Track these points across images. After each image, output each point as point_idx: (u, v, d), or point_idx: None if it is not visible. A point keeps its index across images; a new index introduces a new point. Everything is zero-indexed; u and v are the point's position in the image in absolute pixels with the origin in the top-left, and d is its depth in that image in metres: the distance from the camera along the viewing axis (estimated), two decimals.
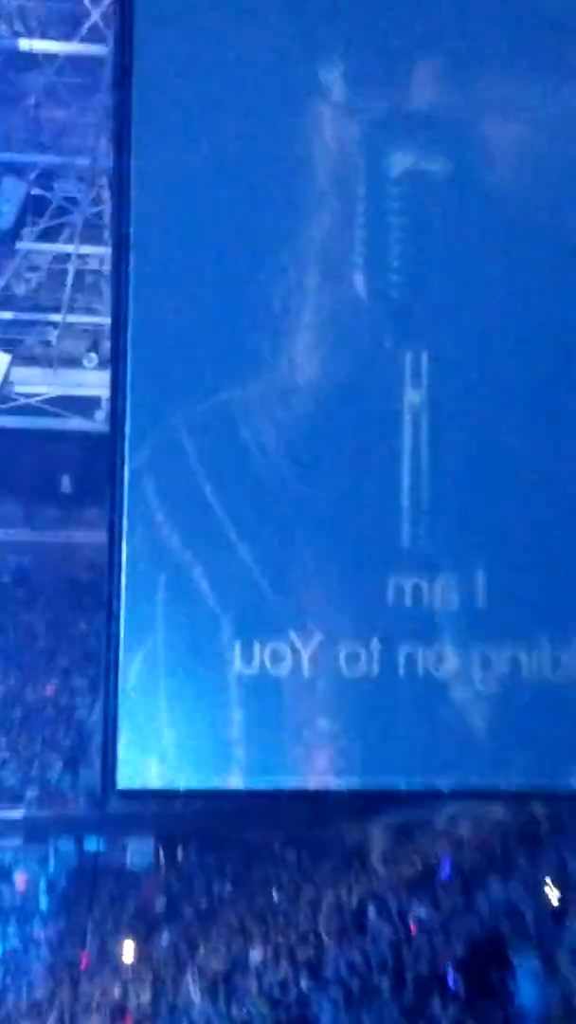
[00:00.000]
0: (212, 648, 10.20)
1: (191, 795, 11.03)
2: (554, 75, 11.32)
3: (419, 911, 23.68)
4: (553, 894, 18.53)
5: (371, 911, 26.44)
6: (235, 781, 10.39)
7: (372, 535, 10.53)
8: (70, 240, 32.01)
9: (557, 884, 19.60)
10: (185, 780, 10.37)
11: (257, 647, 10.17)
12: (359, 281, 10.87)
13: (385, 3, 11.27)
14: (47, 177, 29.99)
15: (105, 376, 11.72)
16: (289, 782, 10.60)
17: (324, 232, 10.98)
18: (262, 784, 10.52)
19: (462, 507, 10.70)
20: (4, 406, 32.67)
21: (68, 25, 25.11)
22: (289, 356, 10.85)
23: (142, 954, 32.33)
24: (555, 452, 10.89)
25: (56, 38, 25.88)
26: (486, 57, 11.25)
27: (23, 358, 33.41)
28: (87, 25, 24.51)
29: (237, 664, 10.11)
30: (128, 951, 33.01)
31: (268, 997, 20.52)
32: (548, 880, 20.46)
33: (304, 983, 20.92)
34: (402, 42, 11.14)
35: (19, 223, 26.19)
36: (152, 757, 10.17)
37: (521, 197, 11.29)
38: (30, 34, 26.12)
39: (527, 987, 13.66)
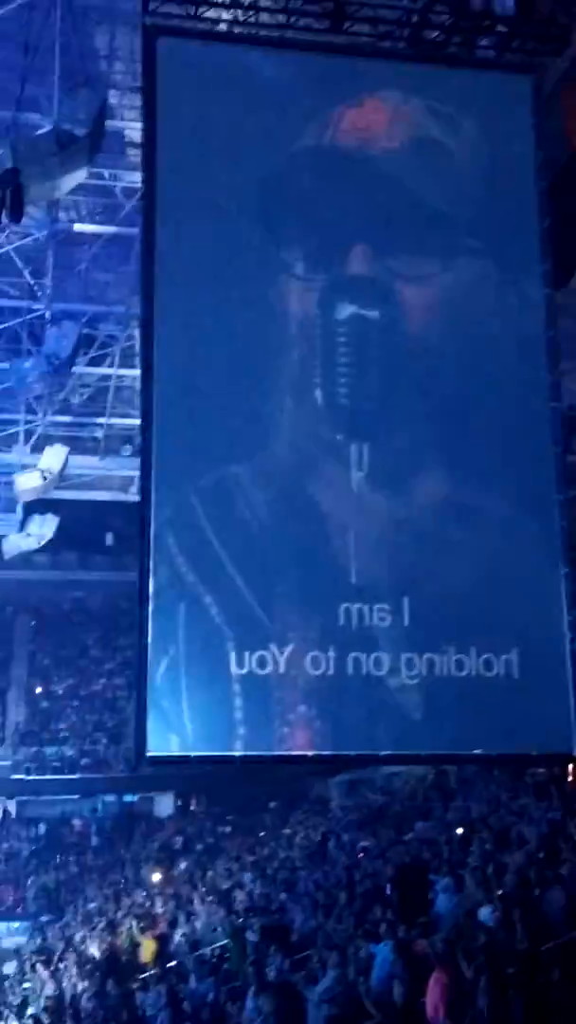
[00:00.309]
0: (215, 655, 10.48)
1: (201, 761, 11.22)
2: (446, 254, 11.86)
3: (365, 843, 23.78)
4: (460, 831, 18.79)
5: (331, 844, 26.55)
6: (232, 750, 10.71)
7: (328, 575, 10.87)
8: (111, 365, 32.25)
9: (463, 824, 19.84)
10: (196, 750, 10.68)
11: (247, 654, 10.44)
12: (319, 395, 11.30)
13: (328, 205, 11.73)
14: (94, 321, 30.19)
15: (136, 462, 11.90)
16: (271, 750, 10.97)
17: (294, 361, 11.36)
18: (252, 752, 10.85)
19: (392, 554, 11.05)
20: (64, 483, 32.68)
21: (109, 213, 25.29)
22: (269, 447, 11.24)
23: (165, 877, 32.19)
24: (457, 517, 11.29)
25: (100, 223, 26.15)
26: (400, 241, 11.73)
27: (78, 450, 33.57)
28: (122, 214, 24.66)
29: (233, 667, 10.45)
30: (155, 875, 32.96)
31: (257, 907, 20.64)
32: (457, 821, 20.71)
33: (283, 896, 21.02)
34: (342, 232, 11.59)
35: (74, 353, 26.28)
36: (172, 733, 10.42)
37: (430, 334, 11.72)
38: (81, 220, 26.42)
39: (442, 899, 13.73)
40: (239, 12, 12.26)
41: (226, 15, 12.27)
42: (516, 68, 12.79)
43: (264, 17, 12.41)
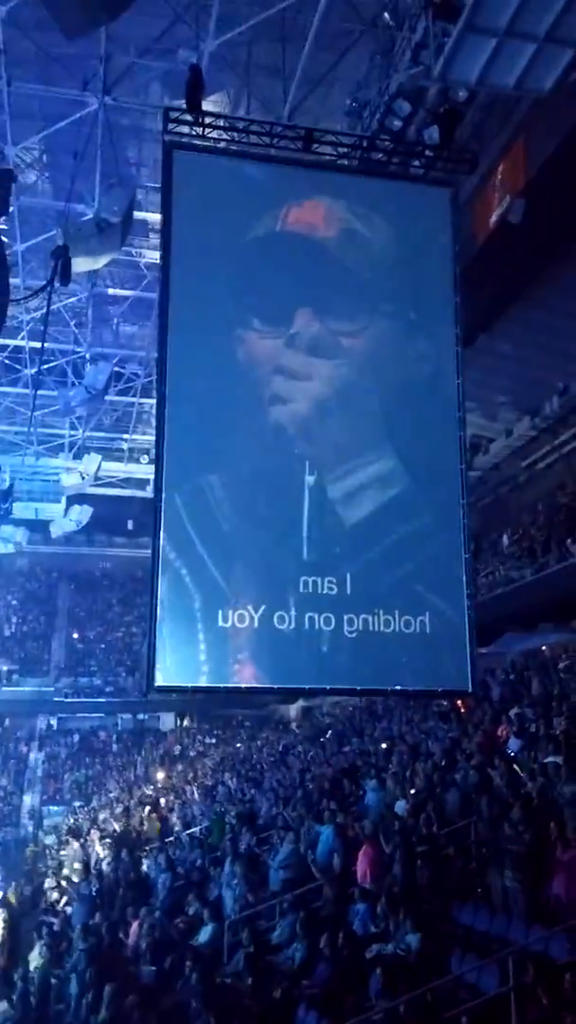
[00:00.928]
0: (206, 614, 10.41)
1: (196, 690, 11.23)
2: (375, 313, 11.79)
3: (314, 753, 23.90)
4: (384, 745, 18.96)
5: (289, 753, 26.64)
6: (219, 682, 10.69)
7: (288, 554, 10.77)
8: (134, 395, 32.20)
9: (386, 739, 20.00)
10: (192, 681, 10.59)
11: (230, 612, 10.38)
12: (278, 418, 11.29)
13: (277, 276, 11.67)
14: (123, 361, 30.16)
15: (151, 467, 11.84)
16: (248, 683, 10.95)
17: (259, 385, 11.39)
18: (233, 683, 10.81)
19: (337, 539, 10.97)
20: (97, 482, 32.64)
21: (135, 280, 25.27)
22: (239, 457, 11.16)
23: (167, 775, 32.25)
24: (389, 515, 11.22)
25: (128, 288, 26.11)
26: (337, 302, 11.65)
27: (109, 457, 33.58)
28: (145, 282, 24.67)
29: (219, 622, 10.38)
30: (160, 774, 32.96)
31: (233, 798, 20.73)
32: (381, 737, 20.88)
33: (252, 790, 21.11)
34: (289, 298, 11.57)
35: (107, 385, 26.22)
36: (174, 668, 10.30)
37: (369, 367, 11.67)
38: (114, 285, 26.39)
39: (370, 795, 13.84)
40: (235, 134, 12.25)
41: (226, 135, 12.23)
42: (439, 183, 12.73)
43: (253, 138, 12.36)
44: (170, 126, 11.87)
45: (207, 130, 12.08)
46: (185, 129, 11.98)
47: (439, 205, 12.38)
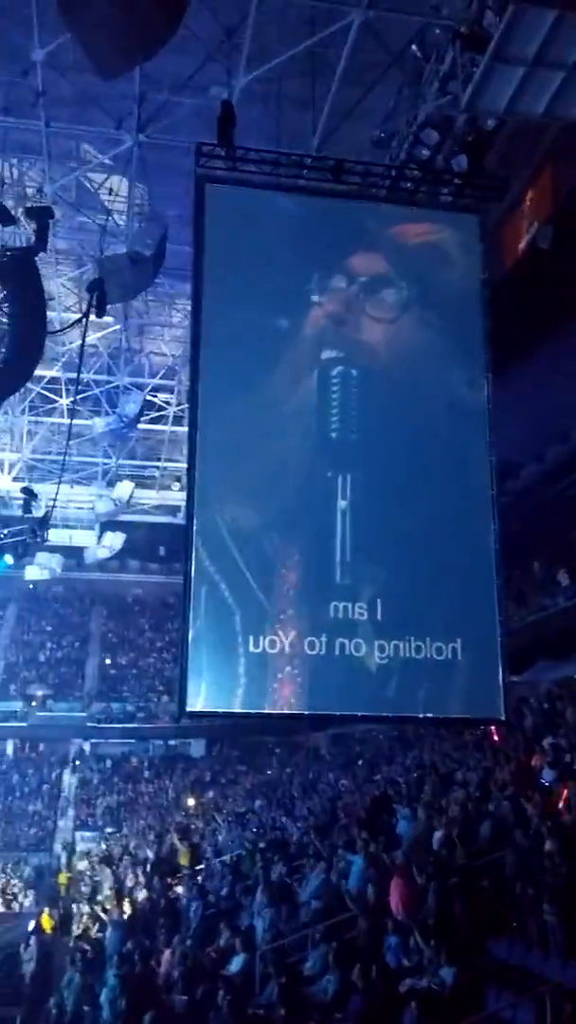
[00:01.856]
0: (237, 639, 10.26)
1: (226, 715, 11.09)
2: (416, 313, 11.86)
3: (345, 782, 23.63)
4: (416, 774, 18.67)
5: (320, 780, 26.35)
6: (250, 708, 10.49)
7: (320, 579, 10.67)
8: (166, 423, 32.43)
9: (417, 768, 19.70)
10: (224, 706, 10.47)
11: (260, 637, 10.30)
12: (314, 436, 11.21)
13: (330, 257, 11.89)
14: (155, 390, 30.44)
15: (183, 495, 11.83)
16: (278, 709, 10.80)
17: (296, 408, 11.25)
18: (263, 709, 10.61)
19: (369, 564, 10.85)
20: (130, 509, 32.84)
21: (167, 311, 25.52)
22: (272, 478, 11.13)
23: (197, 802, 31.98)
24: (418, 539, 11.16)
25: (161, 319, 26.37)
26: (382, 290, 11.77)
27: (141, 484, 33.81)
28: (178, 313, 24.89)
29: (251, 647, 10.28)
30: (191, 800, 32.71)
31: (264, 826, 20.51)
32: (413, 765, 20.57)
33: (283, 818, 20.89)
34: (339, 277, 11.74)
35: (139, 414, 26.43)
36: (205, 694, 10.18)
37: (402, 383, 11.59)
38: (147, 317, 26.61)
39: (402, 824, 13.63)
40: (266, 167, 12.27)
41: (255, 168, 12.25)
42: (468, 209, 12.68)
43: (282, 170, 12.38)
44: (202, 160, 11.94)
45: (238, 163, 12.12)
46: (218, 164, 12.04)
47: (468, 231, 12.34)
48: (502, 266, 15.57)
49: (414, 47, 13.98)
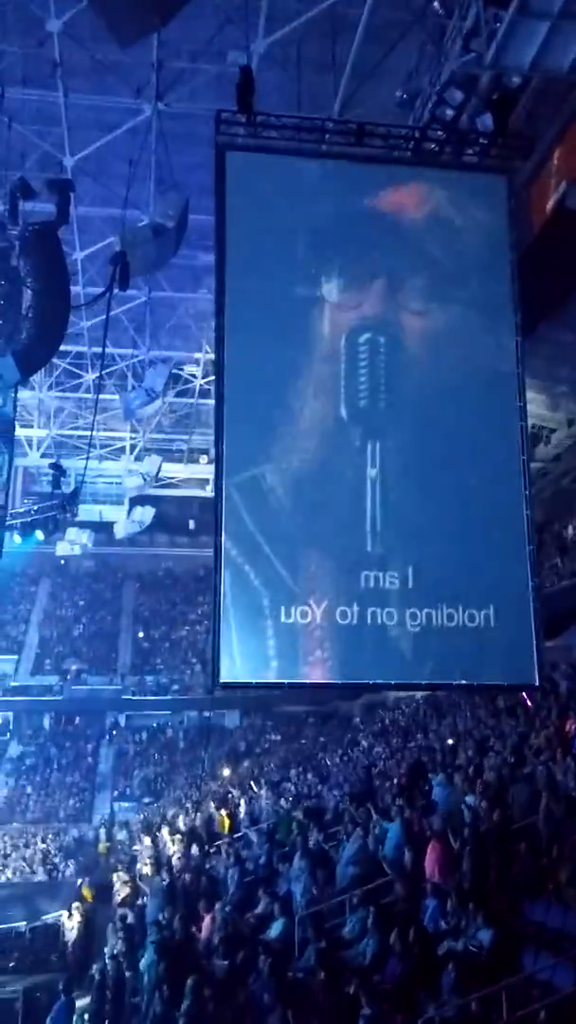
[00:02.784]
0: (269, 610, 10.35)
1: (259, 686, 10.99)
2: (445, 296, 11.65)
3: (379, 749, 23.78)
4: (450, 741, 18.79)
5: (354, 749, 26.55)
6: (282, 678, 10.52)
7: (351, 548, 10.67)
8: (192, 397, 32.42)
9: (453, 735, 19.79)
10: (257, 677, 10.50)
11: (292, 608, 10.37)
12: (341, 404, 11.13)
13: (353, 249, 11.60)
14: (180, 364, 30.40)
15: (211, 468, 11.89)
16: (311, 679, 10.87)
17: (323, 377, 11.21)
18: (295, 679, 10.67)
19: (400, 532, 10.84)
20: (158, 483, 32.96)
21: (192, 283, 25.37)
22: (302, 446, 11.09)
23: (233, 772, 32.33)
24: (451, 506, 11.11)
25: (184, 291, 26.18)
26: (410, 280, 11.53)
27: (169, 458, 33.92)
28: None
29: (282, 618, 10.35)
30: (226, 770, 33.09)
31: (299, 795, 20.70)
32: (447, 733, 20.64)
33: (319, 786, 21.10)
34: (365, 269, 11.45)
35: (166, 388, 26.41)
36: (238, 665, 10.28)
37: (431, 353, 11.47)
38: (171, 289, 26.33)
39: (437, 790, 13.68)
40: (287, 132, 12.14)
41: (276, 134, 12.12)
42: (494, 170, 12.48)
43: (304, 135, 12.24)
44: (222, 128, 11.84)
45: (258, 130, 12.00)
46: (239, 131, 11.92)
47: (495, 192, 12.14)
48: (530, 227, 15.34)
49: (436, 3, 13.77)
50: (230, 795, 25.70)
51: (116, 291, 16.08)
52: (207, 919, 13.11)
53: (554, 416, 25.74)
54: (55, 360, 27.56)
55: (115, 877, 24.31)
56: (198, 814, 24.08)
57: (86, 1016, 13.43)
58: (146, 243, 16.32)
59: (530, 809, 11.60)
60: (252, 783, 26.82)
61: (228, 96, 12.50)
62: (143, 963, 12.78)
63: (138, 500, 34.58)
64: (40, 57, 17.08)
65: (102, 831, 32.84)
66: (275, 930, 11.95)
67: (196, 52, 17.49)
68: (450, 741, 18.98)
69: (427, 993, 8.74)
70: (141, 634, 43.68)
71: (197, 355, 29.77)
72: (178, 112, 18.15)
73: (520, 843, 10.74)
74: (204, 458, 33.76)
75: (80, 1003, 13.48)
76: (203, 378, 30.58)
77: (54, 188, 14.43)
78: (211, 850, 17.97)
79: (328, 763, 25.49)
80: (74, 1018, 12.88)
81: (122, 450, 34.81)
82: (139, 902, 17.75)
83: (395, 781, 16.45)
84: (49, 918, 19.42)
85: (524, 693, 17.10)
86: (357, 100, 15.39)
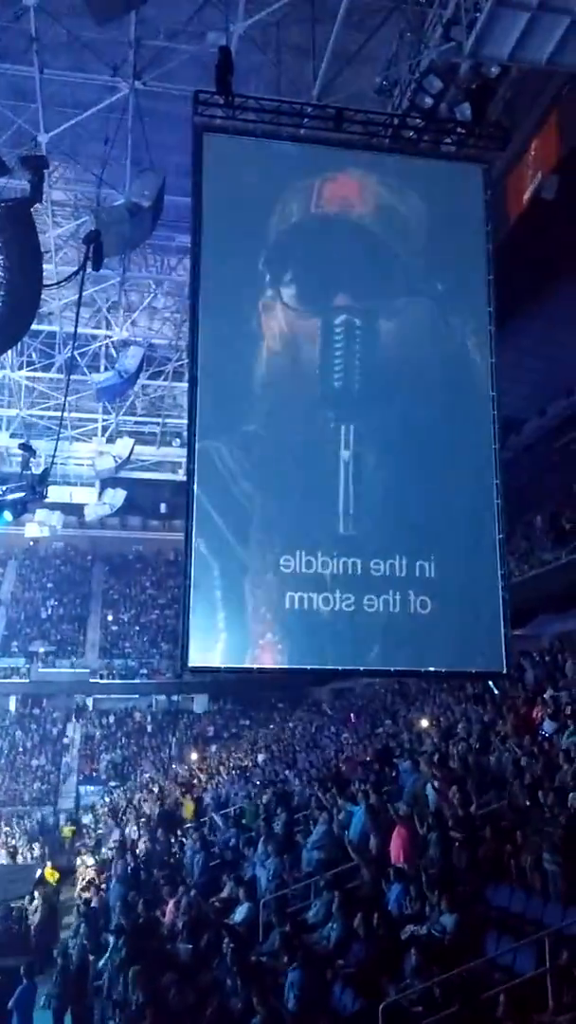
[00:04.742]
0: (240, 594, 10.30)
1: (228, 670, 10.94)
2: (410, 294, 11.60)
3: (346, 735, 23.91)
4: (420, 726, 18.93)
5: (322, 734, 26.67)
6: (251, 662, 10.42)
7: (321, 532, 10.58)
8: (166, 379, 32.28)
9: (418, 721, 19.95)
10: (225, 661, 10.45)
11: (263, 591, 10.17)
12: (317, 388, 11.06)
13: (313, 257, 11.46)
14: (153, 346, 30.27)
15: (183, 451, 11.80)
16: (278, 664, 10.75)
17: (298, 364, 11.15)
18: (266, 664, 10.47)
19: (372, 516, 10.73)
20: (130, 466, 32.79)
21: (167, 265, 25.21)
22: (275, 429, 10.97)
23: (200, 756, 32.41)
24: (429, 486, 11.03)
25: (158, 273, 26.01)
26: (374, 283, 11.44)
27: (141, 441, 33.74)
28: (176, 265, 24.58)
29: (253, 601, 10.18)
30: (193, 754, 33.15)
31: (267, 779, 20.75)
32: (415, 719, 20.80)
33: (286, 771, 21.15)
34: (327, 281, 11.36)
35: (139, 370, 26.22)
36: (204, 650, 10.18)
37: (406, 339, 11.35)
38: (146, 270, 26.25)
39: (403, 776, 13.80)
40: (265, 115, 12.05)
41: (254, 116, 12.03)
42: (471, 159, 12.45)
43: (282, 119, 12.16)
44: (200, 109, 11.73)
45: (236, 112, 11.91)
46: (216, 112, 11.82)
47: (472, 182, 12.11)
48: (506, 218, 15.41)
49: None
50: (197, 780, 25.77)
51: (90, 271, 15.92)
52: (171, 903, 13.14)
53: (526, 406, 25.91)
54: (26, 339, 27.30)
55: (80, 861, 24.31)
56: (164, 798, 24.13)
57: (50, 1000, 13.44)
58: (121, 223, 16.19)
59: (495, 796, 11.74)
60: (220, 767, 26.90)
61: (206, 77, 12.39)
62: (106, 946, 12.81)
63: (109, 482, 34.42)
64: (16, 31, 16.84)
65: (67, 815, 32.83)
66: (240, 914, 12.01)
67: (175, 31, 17.33)
68: (424, 723, 19.10)
69: (389, 977, 8.82)
70: (110, 617, 43.59)
71: (170, 337, 29.65)
72: (155, 91, 17.99)
73: (484, 829, 10.86)
74: (177, 441, 33.72)
75: (43, 987, 13.49)
76: (177, 360, 30.44)
77: (28, 165, 14.17)
78: (177, 835, 18.00)
79: (296, 748, 25.58)
80: (36, 1002, 12.88)
81: (94, 432, 34.62)
82: (103, 886, 17.79)
83: (361, 767, 16.53)
84: (12, 902, 19.37)
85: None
86: (336, 86, 15.34)
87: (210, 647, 10.28)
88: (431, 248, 11.82)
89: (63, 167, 20.99)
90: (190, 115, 11.91)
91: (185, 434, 11.74)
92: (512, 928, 9.04)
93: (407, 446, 11.20)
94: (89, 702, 40.59)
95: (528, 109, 15.25)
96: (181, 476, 26.23)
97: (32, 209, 13.77)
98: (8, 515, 27.43)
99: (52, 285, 19.95)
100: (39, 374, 31.78)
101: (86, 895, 18.05)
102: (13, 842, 29.95)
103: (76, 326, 22.68)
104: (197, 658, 10.23)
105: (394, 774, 14.81)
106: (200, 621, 10.24)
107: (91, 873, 20.47)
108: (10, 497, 27.03)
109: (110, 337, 29.33)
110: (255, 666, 10.57)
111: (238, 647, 10.34)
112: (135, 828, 21.92)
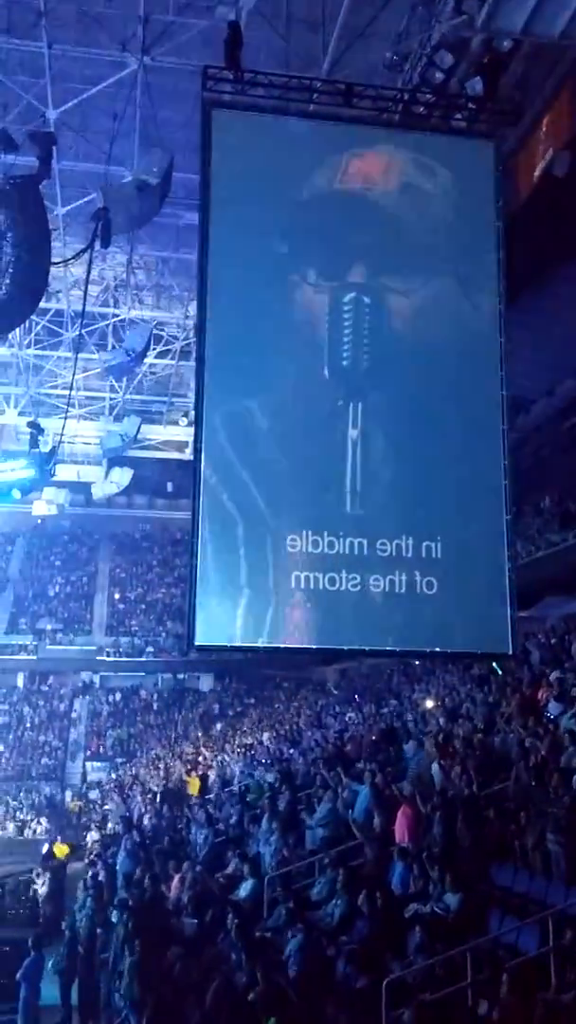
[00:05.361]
0: (245, 574, 10.22)
1: (233, 649, 11.08)
2: (425, 274, 11.51)
3: (351, 714, 23.96)
4: (424, 707, 18.97)
5: (327, 714, 26.73)
6: (256, 641, 10.47)
7: (330, 510, 10.59)
8: (173, 358, 32.13)
9: (424, 702, 19.99)
10: (230, 640, 10.50)
11: (268, 571, 10.19)
12: (325, 365, 10.97)
13: (331, 231, 11.34)
14: (161, 324, 30.11)
15: (191, 430, 11.78)
16: (284, 643, 10.76)
17: (307, 340, 11.10)
18: (271, 643, 10.50)
19: (380, 497, 10.74)
20: (137, 445, 32.69)
21: (174, 242, 24.97)
22: (283, 409, 10.89)
23: (206, 734, 32.57)
24: (436, 466, 10.97)
25: (166, 250, 25.85)
26: (389, 262, 11.41)
27: (148, 420, 33.59)
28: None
29: (258, 580, 10.18)
30: (199, 732, 33.30)
31: (272, 758, 20.83)
32: (418, 699, 20.86)
33: (291, 750, 21.24)
34: (345, 254, 11.27)
35: (146, 348, 26.08)
36: (211, 627, 10.20)
37: (415, 317, 11.26)
38: (154, 248, 26.10)
39: (407, 755, 13.83)
40: (274, 91, 11.89)
41: (263, 92, 11.87)
42: (482, 135, 12.29)
43: (292, 94, 12.00)
44: (209, 84, 11.57)
45: (245, 87, 11.74)
46: (225, 88, 11.68)
47: (482, 158, 11.93)
48: (517, 194, 15.21)
49: None
50: (203, 757, 25.89)
51: (98, 248, 15.83)
52: (176, 879, 13.21)
53: (534, 386, 25.71)
54: (34, 317, 27.18)
55: (87, 836, 24.46)
56: (170, 775, 24.26)
57: (57, 970, 13.54)
58: (129, 200, 16.03)
59: (499, 776, 11.74)
60: (225, 745, 27.02)
61: (215, 52, 12.26)
62: (114, 918, 12.89)
63: (116, 461, 34.38)
64: (24, 5, 16.69)
65: (74, 790, 33.06)
66: (244, 890, 12.06)
67: (183, 6, 17.14)
68: (430, 703, 19.12)
69: (393, 954, 8.86)
70: (117, 595, 43.69)
71: (178, 316, 29.49)
72: (164, 66, 17.80)
73: (489, 809, 10.86)
74: (184, 420, 33.57)
75: (50, 958, 13.59)
76: (184, 340, 30.30)
77: (36, 141, 14.08)
78: (183, 810, 18.10)
79: (300, 727, 25.65)
80: (44, 973, 12.98)
81: (101, 410, 34.55)
82: (110, 860, 17.89)
83: (366, 746, 16.56)
84: (20, 874, 19.52)
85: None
86: (346, 61, 15.14)
87: (216, 626, 10.27)
88: (447, 226, 11.71)
89: (71, 143, 20.80)
90: (198, 91, 11.79)
91: (192, 413, 11.64)
92: (516, 908, 9.06)
93: (415, 425, 11.12)
94: (96, 679, 40.77)
95: (540, 85, 15.01)
96: (188, 455, 26.17)
97: (40, 185, 13.71)
98: (16, 493, 27.60)
99: (60, 263, 19.87)
100: (47, 352, 31.69)
101: (93, 869, 18.17)
102: (21, 816, 30.22)
103: (84, 304, 22.62)
104: (203, 636, 10.23)
105: (399, 753, 14.83)
106: (206, 600, 10.21)
107: (98, 848, 20.60)
108: (18, 475, 27.17)
109: (117, 315, 29.20)
110: (261, 645, 10.60)
111: (244, 626, 10.31)
112: (141, 804, 22.06)
